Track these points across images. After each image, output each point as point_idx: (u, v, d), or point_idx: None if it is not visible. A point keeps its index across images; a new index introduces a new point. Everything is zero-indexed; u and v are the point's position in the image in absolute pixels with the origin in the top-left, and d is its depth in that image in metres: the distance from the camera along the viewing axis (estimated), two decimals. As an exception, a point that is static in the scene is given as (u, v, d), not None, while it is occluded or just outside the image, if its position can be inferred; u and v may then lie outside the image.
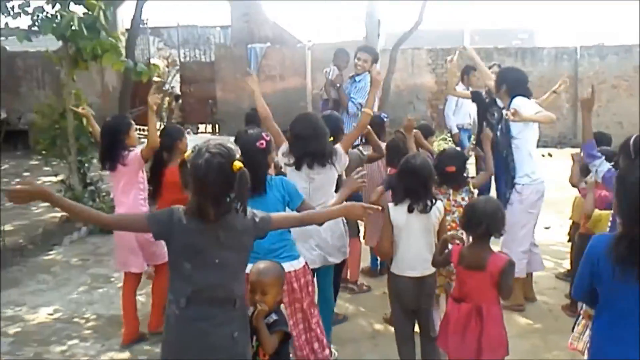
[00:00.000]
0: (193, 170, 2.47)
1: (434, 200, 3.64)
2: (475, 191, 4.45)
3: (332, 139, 4.05)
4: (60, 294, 5.47)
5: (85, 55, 6.65)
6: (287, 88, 13.94)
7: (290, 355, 3.21)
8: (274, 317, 2.88)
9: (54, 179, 8.01)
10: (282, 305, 3.17)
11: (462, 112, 7.97)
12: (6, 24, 7.42)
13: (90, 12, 6.58)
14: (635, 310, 2.38)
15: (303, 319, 3.52)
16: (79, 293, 5.51)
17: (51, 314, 5.03)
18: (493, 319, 3.19)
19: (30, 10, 6.89)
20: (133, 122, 4.59)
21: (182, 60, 16.18)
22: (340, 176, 4.12)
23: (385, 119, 5.48)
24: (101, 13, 6.57)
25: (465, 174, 4.28)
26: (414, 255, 3.63)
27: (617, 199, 2.50)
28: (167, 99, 16.79)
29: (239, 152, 2.99)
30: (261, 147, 3.38)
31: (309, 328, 3.53)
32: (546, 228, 6.83)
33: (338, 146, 3.98)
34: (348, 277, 5.30)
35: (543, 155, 11.57)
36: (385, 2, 13.77)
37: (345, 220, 4.01)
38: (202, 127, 16.35)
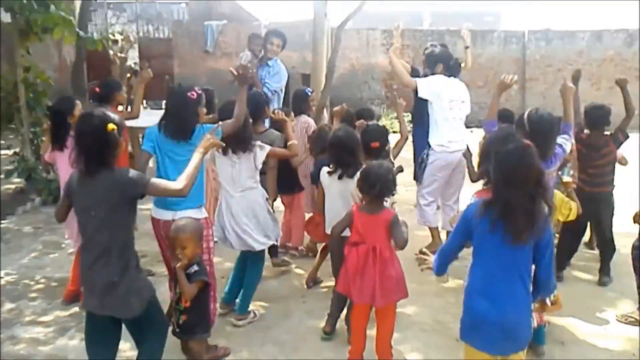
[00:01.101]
0: (74, 131, 2.92)
1: (360, 166, 3.98)
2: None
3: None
4: (11, 259, 5.70)
5: (35, 28, 6.76)
6: (243, 65, 14.15)
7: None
8: (195, 268, 3.24)
9: (8, 152, 8.14)
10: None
11: None
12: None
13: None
14: (502, 270, 2.72)
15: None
16: (30, 259, 5.75)
17: (1, 277, 5.27)
18: (388, 260, 3.54)
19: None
20: (78, 102, 4.80)
21: (140, 35, 16.18)
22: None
23: (309, 94, 5.82)
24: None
25: (387, 148, 4.65)
26: (334, 215, 4.01)
27: (490, 167, 2.79)
28: (128, 75, 16.78)
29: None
30: (192, 98, 3.67)
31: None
32: None
33: (259, 143, 4.25)
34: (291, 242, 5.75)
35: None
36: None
37: (268, 207, 4.37)
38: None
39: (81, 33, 7.34)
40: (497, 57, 14.89)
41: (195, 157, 3.13)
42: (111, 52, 17.40)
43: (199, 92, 3.75)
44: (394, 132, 8.84)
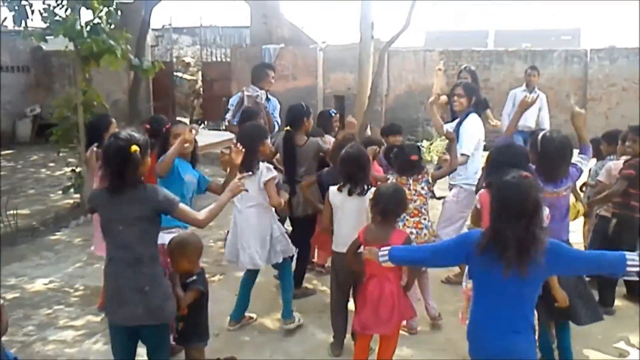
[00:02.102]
0: (103, 150, 3.12)
1: (369, 185, 4.11)
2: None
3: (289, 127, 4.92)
4: (57, 268, 6.13)
5: (84, 53, 7.26)
6: (298, 87, 14.47)
7: None
8: (193, 277, 3.42)
9: (67, 169, 8.71)
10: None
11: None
12: (26, 25, 8.11)
13: (94, 15, 7.20)
14: (503, 299, 2.70)
15: None
16: (75, 268, 6.15)
17: (46, 284, 5.68)
18: (394, 289, 3.64)
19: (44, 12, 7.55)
20: (113, 120, 5.20)
21: (204, 60, 16.92)
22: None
23: (333, 115, 5.96)
24: (104, 15, 7.18)
25: (423, 165, 4.69)
26: (347, 233, 4.06)
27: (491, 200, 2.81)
28: (194, 97, 17.64)
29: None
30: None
31: None
32: None
33: (267, 165, 4.47)
34: (316, 260, 5.86)
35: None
36: (379, 5, 14.14)
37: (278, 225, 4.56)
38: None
39: (134, 60, 7.79)
40: (557, 77, 14.48)
41: (223, 198, 3.38)
42: (179, 74, 18.43)
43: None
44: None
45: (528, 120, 8.14)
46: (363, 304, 3.74)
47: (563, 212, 3.88)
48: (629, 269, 2.64)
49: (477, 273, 2.83)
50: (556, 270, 2.77)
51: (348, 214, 4.15)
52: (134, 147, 3.05)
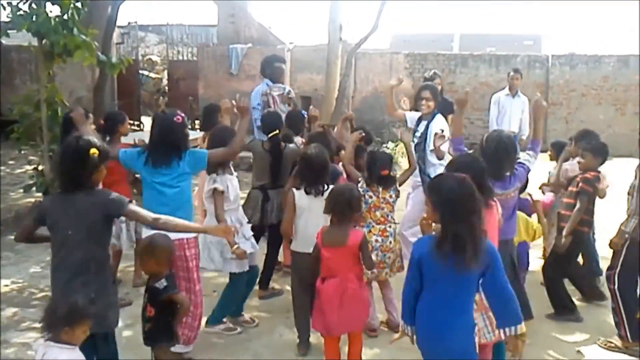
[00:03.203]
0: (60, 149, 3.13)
1: (326, 186, 4.14)
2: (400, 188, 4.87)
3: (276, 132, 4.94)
4: (19, 268, 6.01)
5: (57, 49, 7.12)
6: (265, 87, 14.48)
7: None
8: (164, 283, 3.41)
9: (29, 167, 8.53)
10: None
11: (505, 120, 8.20)
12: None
13: (63, 10, 7.07)
14: (450, 298, 2.82)
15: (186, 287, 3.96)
16: (37, 269, 6.04)
17: (7, 285, 5.56)
18: (357, 288, 3.69)
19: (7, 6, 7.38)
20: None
21: (170, 58, 16.76)
22: None
23: (304, 115, 5.99)
24: (74, 11, 7.05)
25: (393, 174, 4.73)
26: (312, 234, 4.06)
27: (434, 204, 2.86)
28: (160, 96, 17.44)
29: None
30: (178, 122, 3.90)
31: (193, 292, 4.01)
32: None
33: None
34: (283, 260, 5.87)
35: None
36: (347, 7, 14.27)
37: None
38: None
39: (101, 57, 7.67)
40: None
41: (192, 225, 3.45)
42: (145, 72, 18.20)
43: (183, 115, 3.97)
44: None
45: (512, 125, 8.13)
46: (325, 306, 3.74)
47: (510, 213, 3.99)
48: (512, 332, 2.88)
49: (426, 269, 2.87)
50: (484, 276, 2.84)
51: (315, 215, 4.16)
52: (93, 150, 3.03)
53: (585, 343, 4.54)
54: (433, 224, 2.99)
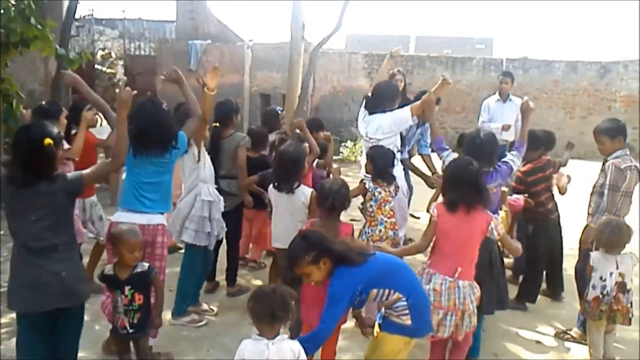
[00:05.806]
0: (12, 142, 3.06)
1: (297, 184, 4.19)
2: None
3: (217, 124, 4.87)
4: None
5: (14, 38, 6.92)
6: (224, 84, 14.35)
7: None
8: (145, 264, 3.47)
9: (-18, 159, 8.26)
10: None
11: (497, 123, 7.92)
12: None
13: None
14: None
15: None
16: (-2, 263, 5.87)
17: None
18: None
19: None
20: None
21: (128, 53, 16.46)
22: None
23: (279, 112, 6.03)
24: (31, 1, 6.87)
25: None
26: (281, 229, 4.17)
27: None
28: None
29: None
30: (167, 108, 3.95)
31: None
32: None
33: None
34: (250, 255, 5.91)
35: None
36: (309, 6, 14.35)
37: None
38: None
39: (59, 50, 7.50)
40: (476, 84, 15.23)
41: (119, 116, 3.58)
42: (99, 67, 17.81)
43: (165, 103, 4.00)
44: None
45: (505, 133, 7.77)
46: (310, 304, 3.68)
47: (493, 208, 4.09)
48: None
49: None
50: None
51: (281, 211, 4.24)
52: (47, 140, 2.98)
53: (544, 334, 4.74)
54: None
